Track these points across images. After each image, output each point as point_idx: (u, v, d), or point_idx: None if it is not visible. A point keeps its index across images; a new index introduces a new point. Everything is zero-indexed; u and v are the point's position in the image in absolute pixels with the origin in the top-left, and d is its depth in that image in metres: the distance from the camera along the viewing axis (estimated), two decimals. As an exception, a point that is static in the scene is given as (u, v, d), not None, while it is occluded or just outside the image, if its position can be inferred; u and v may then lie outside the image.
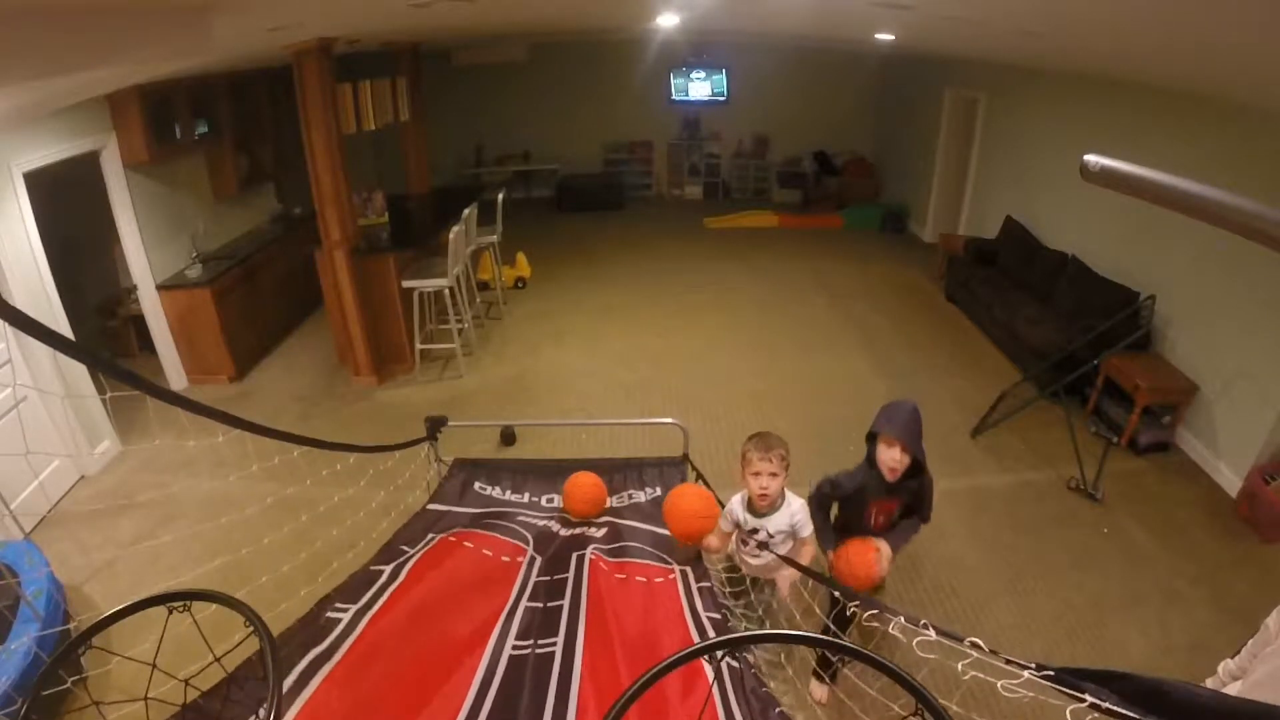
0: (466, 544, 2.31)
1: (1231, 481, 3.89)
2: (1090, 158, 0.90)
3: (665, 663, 0.96)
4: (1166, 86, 4.18)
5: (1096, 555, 3.48)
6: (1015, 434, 4.46)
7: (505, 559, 2.29)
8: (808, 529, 2.39)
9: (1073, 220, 5.55)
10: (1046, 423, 4.49)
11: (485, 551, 2.30)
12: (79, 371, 4.17)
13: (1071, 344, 4.51)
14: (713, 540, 2.42)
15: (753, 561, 2.47)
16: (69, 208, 4.92)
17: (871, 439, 2.39)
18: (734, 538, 2.50)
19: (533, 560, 2.31)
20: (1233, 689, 1.62)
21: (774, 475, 2.29)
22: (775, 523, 2.37)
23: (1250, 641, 1.69)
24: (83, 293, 5.28)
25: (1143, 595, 3.22)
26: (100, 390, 4.15)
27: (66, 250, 4.77)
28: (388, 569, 2.20)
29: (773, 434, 2.35)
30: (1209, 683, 1.80)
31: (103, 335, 5.61)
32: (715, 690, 1.62)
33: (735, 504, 2.44)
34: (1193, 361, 4.25)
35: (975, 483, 4.05)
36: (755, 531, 2.39)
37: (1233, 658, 1.75)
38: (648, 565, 2.30)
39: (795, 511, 2.37)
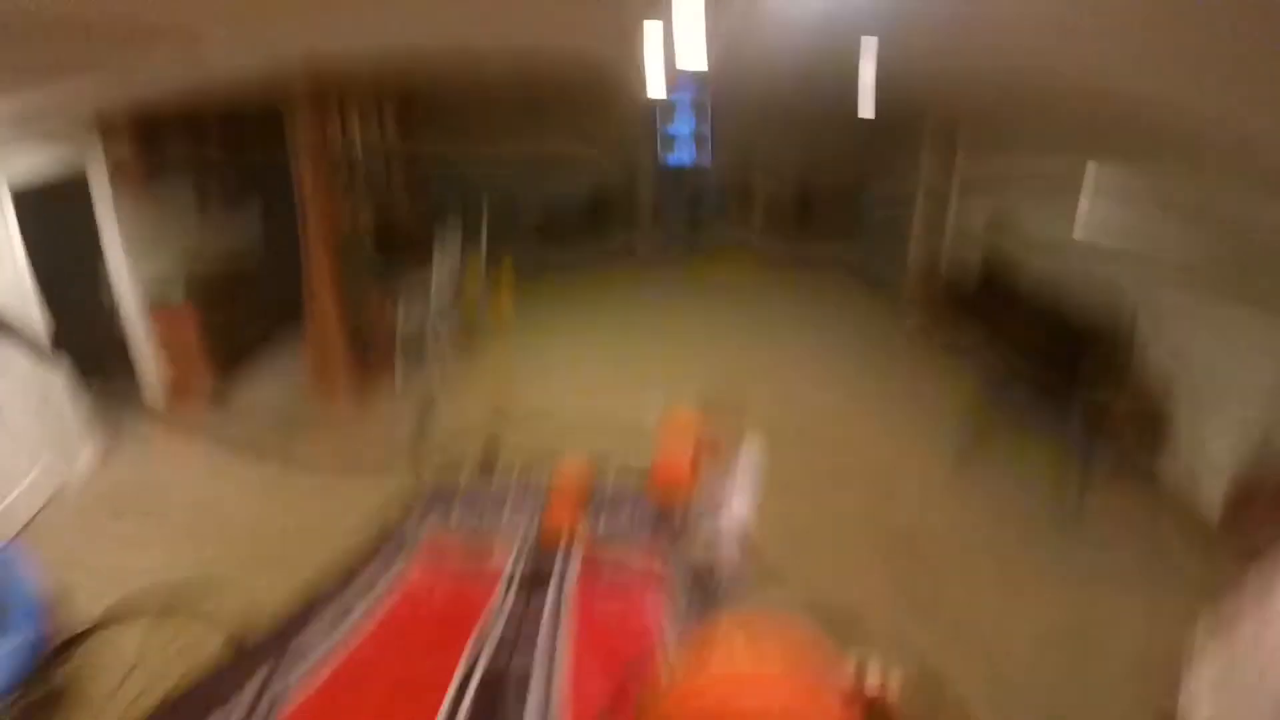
0: (433, 587, 2.31)
1: (1213, 496, 3.88)
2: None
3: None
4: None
5: (1078, 570, 3.50)
6: (995, 447, 4.50)
7: (480, 587, 2.29)
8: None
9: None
10: (1026, 436, 4.54)
11: (454, 585, 2.30)
12: (61, 384, 4.14)
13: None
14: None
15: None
16: (55, 225, 4.90)
17: None
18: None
19: (509, 580, 2.32)
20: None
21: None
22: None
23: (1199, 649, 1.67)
24: (68, 308, 5.24)
25: (1124, 610, 3.25)
26: (84, 403, 4.16)
27: (52, 267, 4.75)
28: (360, 603, 2.20)
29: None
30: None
31: (88, 350, 5.55)
32: None
33: None
34: (1173, 374, 4.25)
35: (954, 498, 4.09)
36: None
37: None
38: (629, 588, 2.31)
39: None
